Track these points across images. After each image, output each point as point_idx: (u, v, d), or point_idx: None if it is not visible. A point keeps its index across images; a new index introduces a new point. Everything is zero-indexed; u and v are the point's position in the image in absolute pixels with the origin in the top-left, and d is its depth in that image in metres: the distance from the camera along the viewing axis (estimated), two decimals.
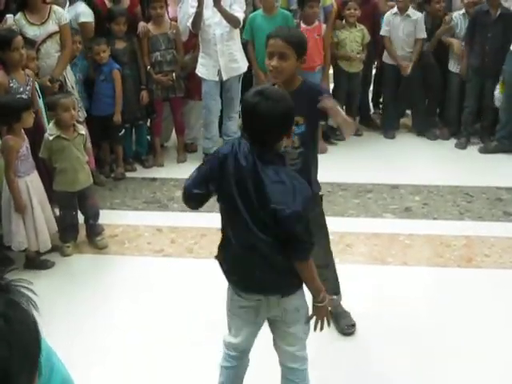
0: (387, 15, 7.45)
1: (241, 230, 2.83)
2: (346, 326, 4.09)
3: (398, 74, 7.53)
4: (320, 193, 3.80)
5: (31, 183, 4.79)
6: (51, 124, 5.02)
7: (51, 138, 4.93)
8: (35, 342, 0.96)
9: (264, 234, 2.77)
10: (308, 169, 3.56)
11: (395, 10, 7.38)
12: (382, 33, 7.51)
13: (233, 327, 3.13)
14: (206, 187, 2.87)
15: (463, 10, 7.29)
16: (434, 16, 7.40)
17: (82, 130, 5.15)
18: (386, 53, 7.59)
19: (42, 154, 4.98)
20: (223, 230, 2.98)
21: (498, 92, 7.08)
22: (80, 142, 5.07)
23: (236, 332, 3.11)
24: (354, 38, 7.41)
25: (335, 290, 4.08)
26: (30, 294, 0.96)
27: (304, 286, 2.98)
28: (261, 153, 2.74)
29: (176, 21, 6.83)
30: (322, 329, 3.04)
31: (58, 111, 4.94)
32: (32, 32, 5.64)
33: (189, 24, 6.54)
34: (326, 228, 3.93)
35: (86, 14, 6.34)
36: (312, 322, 3.03)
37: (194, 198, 2.96)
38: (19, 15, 5.69)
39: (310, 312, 3.04)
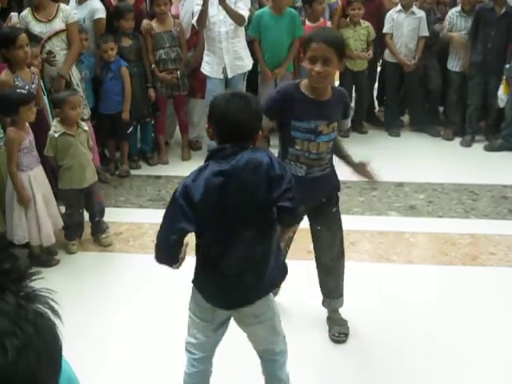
0: (390, 12, 7.44)
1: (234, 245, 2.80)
2: (337, 333, 3.99)
3: (399, 71, 7.52)
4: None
5: (34, 177, 4.79)
6: (55, 121, 5.02)
7: (57, 135, 4.92)
8: (59, 350, 0.98)
9: (253, 231, 2.76)
10: (334, 171, 3.68)
11: (399, 7, 7.36)
12: (384, 30, 7.49)
13: (193, 328, 3.07)
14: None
15: (459, 7, 7.28)
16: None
17: (85, 126, 5.15)
18: (387, 51, 7.58)
19: (48, 151, 4.98)
20: (204, 258, 2.92)
21: (501, 92, 7.04)
22: (84, 139, 5.08)
23: (197, 333, 3.05)
24: (358, 36, 7.39)
25: (340, 292, 4.04)
26: (52, 302, 0.98)
27: None
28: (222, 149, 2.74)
29: (178, 18, 6.83)
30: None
31: (64, 108, 4.94)
32: (38, 29, 5.65)
33: (194, 22, 6.52)
34: (342, 230, 3.89)
35: (101, 11, 6.39)
36: None
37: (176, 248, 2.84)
38: (27, 11, 5.71)
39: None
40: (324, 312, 4.11)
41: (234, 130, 2.73)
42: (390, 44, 7.47)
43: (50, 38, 5.71)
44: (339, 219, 3.86)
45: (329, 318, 4.09)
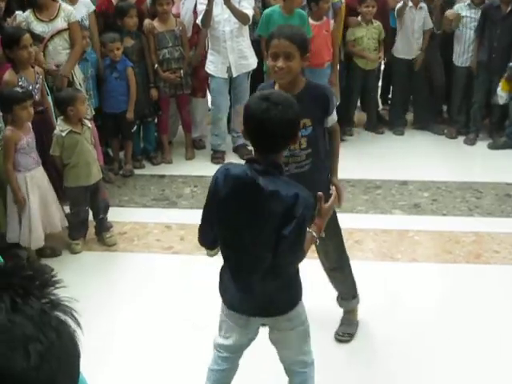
0: (401, 9, 7.38)
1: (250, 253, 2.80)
2: (341, 333, 4.00)
3: (408, 68, 7.51)
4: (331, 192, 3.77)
5: (31, 179, 4.79)
6: (59, 120, 5.02)
7: (64, 133, 4.93)
8: (78, 358, 0.99)
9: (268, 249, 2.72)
10: (319, 169, 3.54)
11: (410, 3, 7.32)
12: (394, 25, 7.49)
13: (224, 328, 3.07)
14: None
15: (468, 1, 7.25)
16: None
17: (89, 123, 5.18)
18: (395, 47, 7.54)
19: (54, 151, 4.98)
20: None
21: (500, 89, 7.03)
22: (89, 136, 5.10)
23: (227, 333, 3.05)
24: (371, 35, 7.33)
25: (353, 293, 4.02)
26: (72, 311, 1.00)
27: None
28: (259, 162, 2.70)
29: (179, 17, 6.83)
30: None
31: (76, 104, 4.95)
32: (40, 28, 5.65)
33: (198, 21, 6.52)
34: (339, 228, 3.83)
35: (91, 4, 6.41)
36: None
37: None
38: (28, 12, 5.70)
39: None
40: (327, 312, 4.12)
41: (269, 140, 2.68)
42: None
43: (52, 37, 5.71)
44: (332, 221, 3.59)
45: (342, 317, 4.11)
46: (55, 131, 4.99)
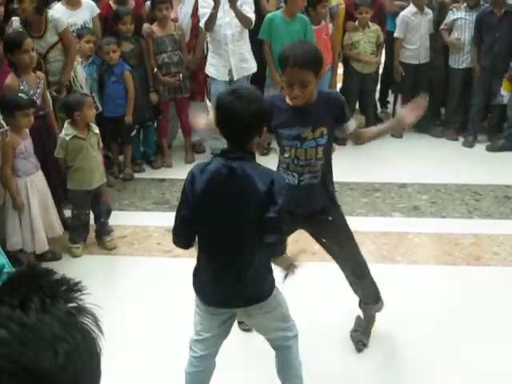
0: (403, 15, 7.43)
1: (226, 243, 2.90)
2: (357, 341, 3.96)
3: (415, 73, 7.53)
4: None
5: (31, 184, 4.80)
6: (66, 124, 5.04)
7: (68, 138, 4.95)
8: (99, 361, 1.03)
9: (249, 237, 2.85)
10: (327, 180, 3.56)
11: (413, 9, 7.36)
12: (396, 34, 7.50)
13: (200, 324, 3.14)
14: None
15: (464, 4, 7.30)
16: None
17: (96, 129, 5.17)
18: (407, 53, 7.55)
19: (58, 153, 5.01)
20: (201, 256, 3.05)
21: (502, 89, 7.07)
22: (95, 142, 5.11)
23: (203, 330, 3.12)
24: (367, 38, 7.37)
25: (375, 298, 3.96)
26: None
27: None
28: (232, 151, 2.85)
29: (177, 21, 6.85)
30: (287, 276, 3.16)
31: (82, 110, 4.97)
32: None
33: (202, 25, 6.55)
34: (351, 231, 3.77)
35: (96, 7, 6.42)
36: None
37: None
38: (19, 26, 5.63)
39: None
40: (325, 316, 4.13)
41: (238, 130, 2.82)
42: (398, 50, 7.51)
43: (48, 51, 5.68)
44: (342, 229, 3.72)
45: (358, 318, 4.07)
46: (61, 134, 5.02)
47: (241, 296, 2.98)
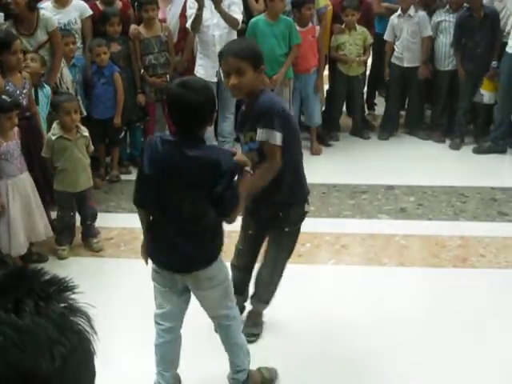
0: (392, 18, 7.45)
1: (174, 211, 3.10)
2: (247, 334, 3.85)
3: (404, 76, 7.55)
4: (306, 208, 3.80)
5: (13, 186, 4.73)
6: (55, 123, 5.02)
7: (54, 137, 4.93)
8: (93, 361, 1.02)
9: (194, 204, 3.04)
10: (277, 182, 3.55)
11: (399, 11, 7.38)
12: (385, 37, 7.52)
13: (158, 297, 3.32)
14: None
15: (447, 6, 7.34)
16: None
17: (86, 132, 5.14)
18: (394, 54, 7.57)
19: (45, 153, 5.00)
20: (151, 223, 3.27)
21: (482, 88, 7.13)
22: (82, 144, 5.08)
23: (163, 302, 3.30)
24: (353, 41, 7.36)
25: (269, 299, 4.05)
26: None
27: None
28: (185, 139, 3.02)
29: (165, 22, 6.84)
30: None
31: (59, 113, 4.97)
32: (24, 43, 5.56)
33: (188, 25, 6.55)
34: (288, 254, 3.90)
35: (88, 9, 6.40)
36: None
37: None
38: (9, 24, 5.62)
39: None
40: (318, 316, 4.13)
41: (183, 119, 3.02)
42: (388, 53, 7.54)
43: (36, 50, 5.65)
44: (290, 243, 3.86)
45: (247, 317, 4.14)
46: (48, 134, 4.99)
47: (179, 262, 3.16)
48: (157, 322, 3.34)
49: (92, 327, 1.00)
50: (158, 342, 3.35)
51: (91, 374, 1.01)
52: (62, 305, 0.96)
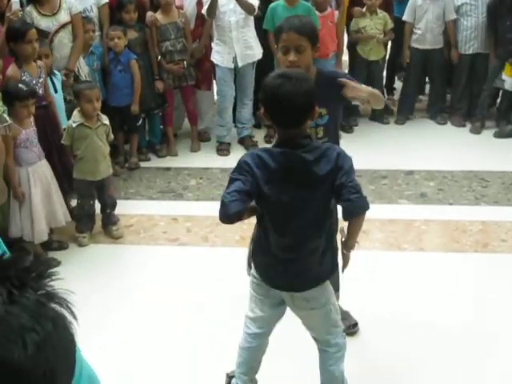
0: (412, 0, 7.37)
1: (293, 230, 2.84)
2: (348, 326, 3.84)
3: (425, 59, 7.47)
4: None
5: (33, 173, 4.78)
6: (75, 111, 5.05)
7: (74, 125, 4.95)
8: (74, 350, 1.02)
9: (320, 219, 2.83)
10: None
11: None
12: (405, 18, 7.41)
13: (252, 302, 3.14)
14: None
15: None
16: None
17: (106, 120, 5.15)
18: (414, 37, 7.47)
19: (65, 140, 5.03)
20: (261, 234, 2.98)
21: (504, 74, 7.03)
22: (102, 132, 5.09)
23: (255, 308, 3.13)
24: (374, 25, 7.29)
25: (336, 287, 3.91)
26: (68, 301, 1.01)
27: None
28: (289, 138, 2.76)
29: (182, 9, 6.82)
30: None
31: (80, 101, 4.98)
32: (45, 23, 5.61)
33: (204, 11, 6.53)
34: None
35: None
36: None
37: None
38: (30, 7, 5.65)
39: None
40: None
41: (288, 114, 2.73)
42: (408, 34, 7.43)
43: (57, 31, 5.69)
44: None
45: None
46: (69, 121, 5.01)
47: (293, 279, 2.95)
48: (246, 325, 3.20)
49: (72, 313, 0.99)
50: (244, 345, 3.21)
51: (70, 360, 1.00)
52: (40, 292, 0.96)
